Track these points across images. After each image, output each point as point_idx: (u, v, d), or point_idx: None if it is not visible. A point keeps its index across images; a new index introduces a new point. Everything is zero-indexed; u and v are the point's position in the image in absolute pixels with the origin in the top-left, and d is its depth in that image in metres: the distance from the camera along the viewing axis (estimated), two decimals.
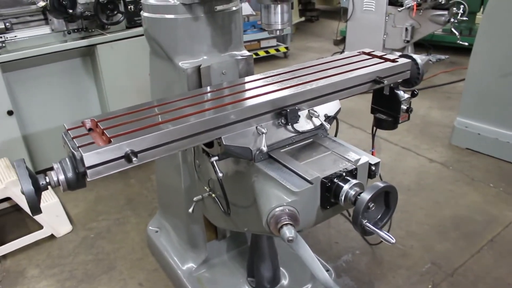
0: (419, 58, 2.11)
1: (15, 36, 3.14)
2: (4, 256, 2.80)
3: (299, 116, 1.62)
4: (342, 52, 6.49)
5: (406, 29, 5.40)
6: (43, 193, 1.34)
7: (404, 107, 2.09)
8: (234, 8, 1.94)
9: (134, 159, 1.29)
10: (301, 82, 1.72)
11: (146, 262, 2.70)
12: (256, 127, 1.55)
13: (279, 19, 1.60)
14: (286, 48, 6.95)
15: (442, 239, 2.78)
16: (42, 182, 1.34)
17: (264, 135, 1.53)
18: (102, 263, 2.71)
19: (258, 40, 6.75)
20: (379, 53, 2.10)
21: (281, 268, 2.30)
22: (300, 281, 2.27)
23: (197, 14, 1.83)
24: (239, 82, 1.79)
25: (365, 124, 4.29)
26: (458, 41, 5.23)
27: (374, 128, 2.23)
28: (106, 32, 3.42)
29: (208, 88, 1.78)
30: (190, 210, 2.13)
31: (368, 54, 2.12)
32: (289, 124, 1.60)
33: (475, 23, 6.46)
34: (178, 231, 2.50)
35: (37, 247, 2.88)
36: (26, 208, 2.77)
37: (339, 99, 1.81)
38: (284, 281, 2.30)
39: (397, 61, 1.98)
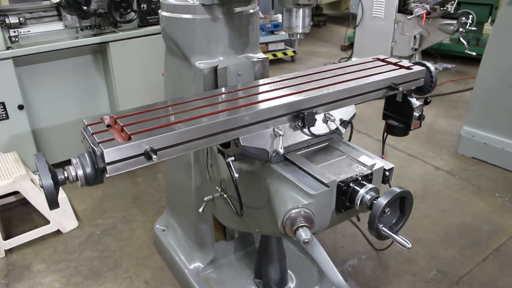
0: (433, 66, 2.12)
1: (28, 31, 3.16)
2: (10, 250, 2.80)
3: (316, 119, 1.63)
4: (350, 57, 6.50)
5: (415, 37, 5.42)
6: None
7: (416, 114, 2.10)
8: (252, 11, 1.95)
9: (154, 156, 1.30)
10: (317, 86, 1.73)
11: (152, 260, 2.71)
12: (274, 129, 1.56)
13: (300, 23, 1.61)
14: (294, 52, 6.97)
15: (447, 247, 2.79)
16: (60, 176, 1.34)
17: (281, 137, 1.55)
18: (108, 260, 2.72)
19: (266, 43, 6.76)
20: (393, 60, 2.12)
21: (288, 271, 2.31)
22: (307, 284, 2.27)
23: (215, 15, 1.85)
24: (256, 84, 1.80)
25: (372, 130, 4.30)
26: (466, 51, 5.24)
27: (385, 134, 2.24)
28: (118, 30, 3.44)
29: (225, 89, 1.78)
30: (201, 210, 2.14)
31: (383, 60, 2.13)
32: (306, 127, 1.61)
33: (482, 33, 6.48)
34: (186, 230, 2.51)
35: (43, 242, 2.88)
36: (34, 203, 2.79)
37: (355, 104, 1.82)
38: (291, 284, 2.30)
39: (412, 69, 2.00)
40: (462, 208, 3.18)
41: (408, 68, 2.01)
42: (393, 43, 5.62)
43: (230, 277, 2.36)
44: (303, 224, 1.37)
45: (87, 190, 3.38)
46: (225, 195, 1.94)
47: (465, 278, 2.54)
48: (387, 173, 1.62)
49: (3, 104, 3.01)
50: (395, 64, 2.07)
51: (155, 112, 1.53)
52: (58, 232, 2.95)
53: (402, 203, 1.43)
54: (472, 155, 3.89)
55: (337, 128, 1.70)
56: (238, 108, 1.53)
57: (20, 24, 3.10)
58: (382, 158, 2.54)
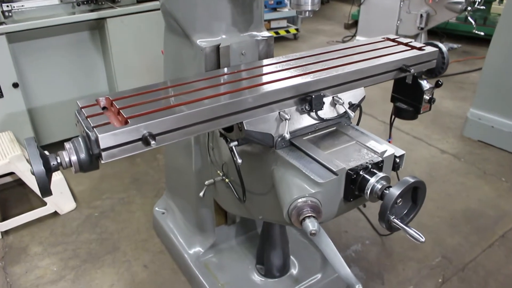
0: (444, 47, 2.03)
1: (22, 6, 3.03)
2: (7, 232, 2.75)
3: (324, 102, 1.54)
4: (354, 36, 6.35)
5: (421, 15, 5.26)
6: None
7: (426, 97, 2.02)
8: None
9: (152, 142, 1.22)
10: (325, 67, 1.63)
11: (151, 243, 2.66)
12: (279, 113, 1.48)
13: (309, 0, 1.50)
14: (297, 30, 6.80)
15: (453, 233, 2.73)
16: (53, 162, 1.26)
17: (287, 121, 1.46)
18: (106, 243, 2.66)
19: (268, 21, 6.60)
20: (404, 40, 2.01)
21: (291, 257, 2.26)
22: (310, 271, 2.23)
23: None
24: (260, 65, 1.71)
25: (377, 112, 4.21)
26: (474, 30, 5.10)
27: (393, 117, 2.16)
28: (116, 5, 3.31)
29: (228, 70, 1.69)
30: (201, 194, 2.07)
31: (393, 40, 2.03)
32: (313, 110, 1.52)
33: (490, 12, 6.31)
34: (186, 213, 2.45)
35: (40, 224, 2.83)
36: (30, 184, 2.72)
37: (364, 87, 1.73)
38: (294, 270, 2.26)
39: (424, 49, 1.89)
40: (468, 193, 3.12)
41: (420, 48, 1.91)
42: (398, 22, 5.47)
43: (231, 263, 2.31)
44: (310, 214, 1.30)
45: None
46: (226, 180, 1.87)
47: (470, 265, 2.49)
48: (398, 160, 1.55)
49: None
50: (406, 44, 1.97)
51: (154, 94, 1.44)
52: (55, 213, 2.90)
53: (414, 193, 1.36)
54: (478, 138, 3.81)
55: (345, 112, 1.62)
56: (241, 90, 1.44)
57: None
58: (389, 142, 2.47)
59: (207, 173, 2.08)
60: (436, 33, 6.19)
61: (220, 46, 1.76)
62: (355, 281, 1.31)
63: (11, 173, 2.80)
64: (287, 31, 6.74)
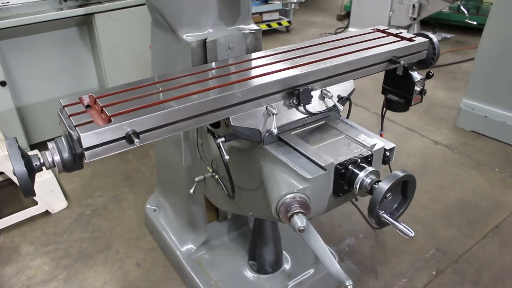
0: (435, 37, 2.01)
1: (7, 2, 2.98)
2: None
3: (312, 96, 1.52)
4: (346, 28, 6.31)
5: (414, 6, 5.24)
6: None
7: (418, 88, 1.99)
8: None
9: (136, 140, 1.19)
10: (314, 60, 1.61)
11: (144, 241, 2.64)
12: (267, 108, 1.45)
13: None
14: (289, 22, 6.76)
15: (446, 225, 2.73)
16: (36, 163, 1.24)
17: (274, 116, 1.44)
18: (98, 241, 2.64)
19: (260, 13, 6.55)
20: (394, 31, 1.99)
21: (283, 252, 2.24)
22: (302, 266, 2.22)
23: None
24: (247, 58, 1.68)
25: (369, 103, 4.19)
26: (466, 20, 5.08)
27: (384, 109, 2.14)
28: (104, 0, 3.26)
29: (215, 64, 1.66)
30: (191, 190, 2.05)
31: (383, 31, 2.00)
32: (301, 104, 1.50)
33: (482, 1, 6.28)
34: (177, 210, 2.42)
35: (31, 223, 2.80)
36: None
37: (353, 79, 1.71)
38: (287, 266, 2.25)
39: (414, 40, 1.87)
40: (462, 184, 3.12)
41: (410, 39, 1.88)
42: (391, 12, 5.45)
43: (224, 259, 2.30)
44: (298, 211, 1.28)
45: None
46: (216, 176, 1.84)
47: (464, 256, 2.49)
48: (388, 154, 1.53)
49: None
50: (396, 35, 1.95)
51: (138, 91, 1.41)
52: (47, 212, 2.87)
53: (404, 187, 1.34)
54: (471, 128, 3.80)
55: (334, 105, 1.59)
56: (228, 85, 1.41)
57: None
58: (381, 134, 2.46)
59: (197, 170, 2.05)
60: (428, 24, 6.17)
61: (206, 41, 1.73)
62: (345, 278, 1.30)
63: (1, 173, 2.77)
64: (279, 24, 6.70)
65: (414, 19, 5.32)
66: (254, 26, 1.90)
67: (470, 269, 2.41)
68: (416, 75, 1.96)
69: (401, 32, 1.98)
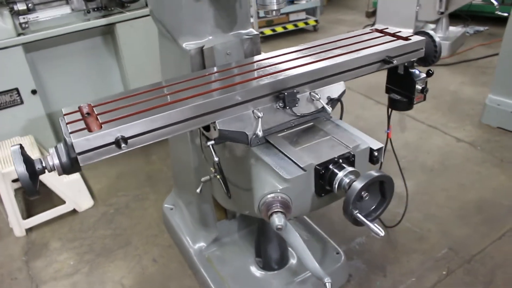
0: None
1: (37, 17, 3.20)
2: (30, 229, 2.94)
3: (298, 99, 1.57)
4: (373, 25, 6.22)
5: None
6: None
7: (419, 87, 1.99)
8: None
9: (123, 145, 1.30)
10: (303, 63, 1.66)
11: (161, 238, 2.77)
12: (253, 111, 1.52)
13: None
14: (316, 21, 6.75)
15: (462, 224, 2.68)
16: (38, 166, 1.37)
17: (260, 119, 1.50)
18: (119, 238, 2.80)
19: (287, 14, 6.59)
20: (392, 30, 2.00)
21: (289, 248, 2.30)
22: None
23: None
24: (238, 64, 1.75)
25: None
26: (496, 12, 4.89)
27: (389, 109, 2.15)
28: (126, 10, 3.43)
29: (206, 71, 1.73)
30: (198, 190, 2.15)
31: (381, 31, 2.02)
32: (287, 107, 1.56)
33: None
34: (190, 209, 2.53)
35: (60, 221, 3.01)
36: (49, 184, 2.89)
37: (345, 81, 1.74)
38: (293, 261, 2.30)
39: (410, 39, 1.88)
40: (482, 182, 3.04)
41: (406, 38, 1.89)
42: (417, 7, 5.32)
43: (232, 256, 2.38)
44: (277, 210, 1.34)
45: (103, 170, 3.48)
46: (218, 176, 1.93)
47: (478, 256, 2.44)
48: (376, 153, 1.55)
49: (17, 89, 3.09)
50: (392, 34, 1.96)
51: (133, 98, 1.52)
52: (74, 211, 3.06)
53: (382, 187, 1.37)
54: (497, 125, 3.68)
55: (323, 107, 1.64)
56: (214, 91, 1.49)
57: (29, 10, 3.13)
58: (388, 133, 2.46)
59: (204, 170, 2.15)
60: (459, 16, 5.98)
61: (203, 48, 1.82)
62: (323, 275, 1.35)
63: None
64: (306, 23, 6.71)
65: (442, 13, 5.17)
66: (252, 31, 1.97)
67: (483, 269, 2.37)
68: (418, 73, 1.96)
69: (399, 32, 1.99)
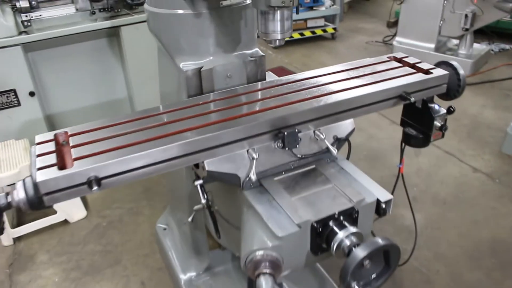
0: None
1: (40, 15, 3.08)
2: (19, 238, 2.82)
3: (300, 139, 1.40)
4: (393, 37, 5.98)
5: (466, 15, 4.85)
6: None
7: (438, 124, 1.79)
8: (244, 3, 1.70)
9: (94, 188, 1.15)
10: (309, 96, 1.49)
11: (152, 259, 2.62)
12: (248, 151, 1.36)
13: (278, 28, 1.36)
14: (334, 29, 6.53)
15: (474, 267, 2.48)
16: (2, 201, 1.22)
17: (254, 160, 1.34)
18: (109, 256, 2.66)
19: (305, 20, 6.39)
20: (412, 60, 1.81)
21: (283, 284, 2.13)
22: None
23: (199, 10, 1.62)
24: (236, 94, 1.58)
25: None
26: None
27: (403, 144, 1.96)
28: (133, 12, 3.29)
29: (199, 100, 1.56)
30: (190, 219, 1.99)
31: (399, 60, 1.83)
32: (287, 148, 1.38)
33: None
34: (183, 234, 2.38)
35: (50, 231, 2.88)
36: None
37: (354, 118, 1.56)
38: None
39: (432, 73, 1.69)
40: (498, 220, 2.83)
41: (427, 71, 1.70)
42: (441, 22, 5.09)
43: (224, 286, 2.23)
44: (265, 271, 1.18)
45: None
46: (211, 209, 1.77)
47: None
48: (383, 205, 1.38)
49: (14, 91, 2.97)
50: (412, 65, 1.77)
51: (114, 129, 1.36)
52: (65, 221, 2.94)
53: (387, 255, 1.19)
54: None
55: (327, 148, 1.46)
56: (203, 127, 1.32)
57: (32, 8, 3.01)
58: (400, 168, 2.26)
59: (198, 197, 1.99)
60: (484, 33, 5.70)
61: (201, 70, 1.66)
62: None
63: None
64: (324, 31, 6.50)
65: (467, 29, 4.93)
66: (258, 52, 1.80)
67: None
68: (437, 109, 1.78)
69: (420, 62, 1.80)
